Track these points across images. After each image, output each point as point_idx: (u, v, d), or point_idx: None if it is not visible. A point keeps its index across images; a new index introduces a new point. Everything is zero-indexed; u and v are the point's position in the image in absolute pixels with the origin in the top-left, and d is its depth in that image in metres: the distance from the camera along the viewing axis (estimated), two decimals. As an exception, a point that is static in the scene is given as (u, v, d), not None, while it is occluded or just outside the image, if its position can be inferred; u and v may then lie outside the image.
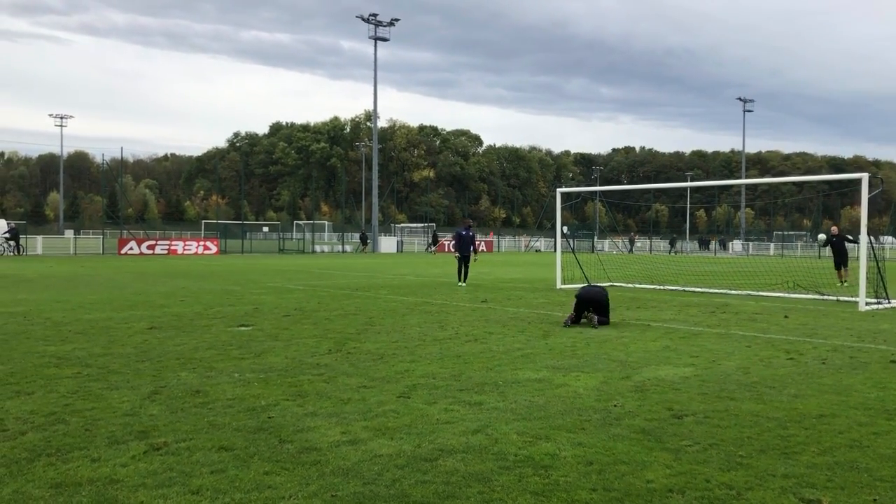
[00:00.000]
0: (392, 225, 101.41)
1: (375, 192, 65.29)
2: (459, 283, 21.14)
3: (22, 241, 44.22)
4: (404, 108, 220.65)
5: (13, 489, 4.35)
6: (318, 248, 60.03)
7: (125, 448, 5.18)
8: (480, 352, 9.55)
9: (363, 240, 60.23)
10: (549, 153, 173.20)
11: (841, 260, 23.36)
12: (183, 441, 5.36)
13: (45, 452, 5.05)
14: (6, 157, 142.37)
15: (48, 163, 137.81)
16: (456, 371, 8.19)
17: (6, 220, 54.53)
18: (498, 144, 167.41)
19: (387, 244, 62.25)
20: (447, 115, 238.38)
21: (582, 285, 12.98)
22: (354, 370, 8.19)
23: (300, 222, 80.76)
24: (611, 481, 4.66)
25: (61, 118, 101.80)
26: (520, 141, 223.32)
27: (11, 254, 42.45)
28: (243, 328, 11.64)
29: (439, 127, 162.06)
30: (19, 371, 7.88)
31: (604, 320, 12.46)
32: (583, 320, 12.44)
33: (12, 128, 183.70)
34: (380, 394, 7.02)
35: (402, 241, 66.08)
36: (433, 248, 58.72)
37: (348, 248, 62.33)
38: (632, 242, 67.18)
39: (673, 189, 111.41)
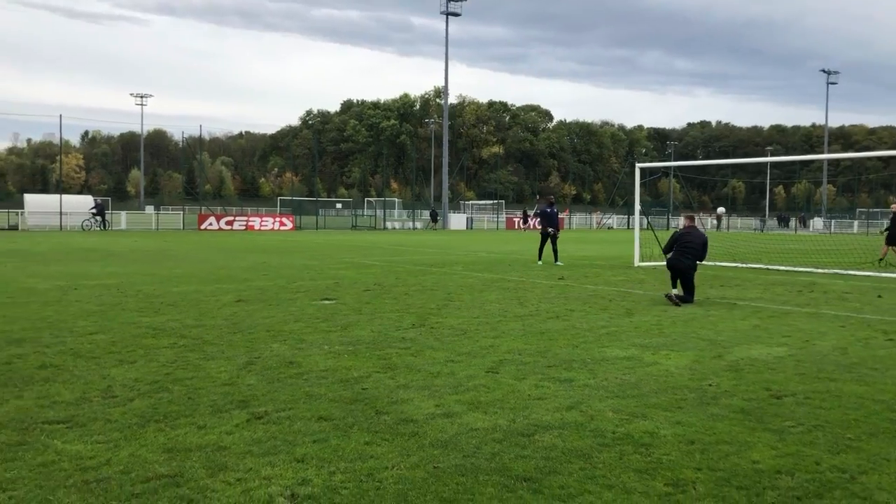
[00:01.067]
0: (461, 202, 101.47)
1: (445, 168, 65.36)
2: (538, 262, 20.62)
3: (107, 217, 45.97)
4: (473, 83, 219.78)
5: (129, 452, 4.52)
6: (388, 224, 60.61)
7: (228, 416, 5.33)
8: (564, 329, 9.47)
9: (433, 217, 60.47)
10: (621, 128, 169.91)
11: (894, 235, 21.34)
12: (282, 410, 5.48)
13: (154, 419, 5.24)
14: (90, 135, 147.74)
15: (129, 141, 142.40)
16: (541, 347, 8.15)
17: (92, 196, 56.72)
18: (569, 119, 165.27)
19: (456, 221, 62.35)
20: (517, 90, 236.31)
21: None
22: (440, 344, 8.23)
23: (371, 199, 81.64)
24: (715, 461, 4.56)
25: (142, 97, 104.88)
26: (591, 116, 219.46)
27: (98, 228, 44.17)
28: (327, 302, 11.83)
29: (509, 102, 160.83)
30: (120, 340, 8.19)
31: (687, 298, 12.22)
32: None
33: (96, 107, 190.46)
34: (468, 368, 7.04)
35: (471, 218, 66.07)
36: (525, 227, 58.19)
37: (418, 224, 62.76)
38: (719, 220, 64.91)
39: (751, 164, 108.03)
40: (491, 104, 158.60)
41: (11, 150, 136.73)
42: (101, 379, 6.38)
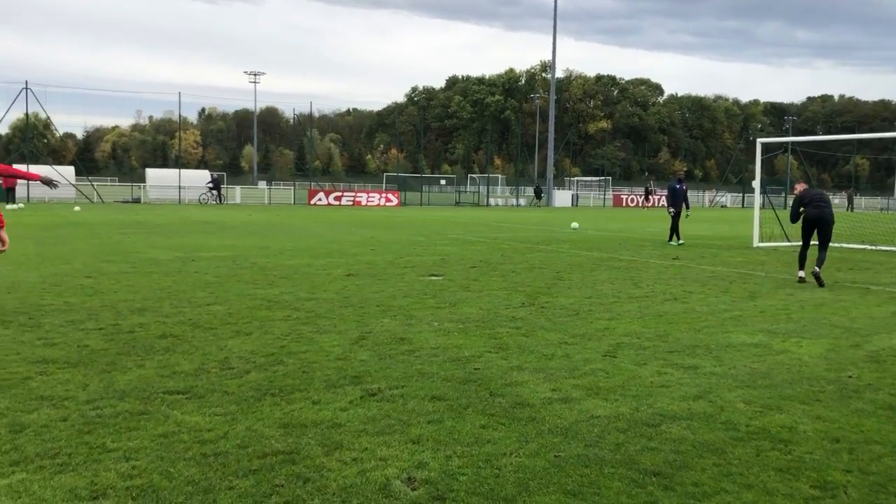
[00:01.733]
0: (565, 178, 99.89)
1: (551, 145, 64.37)
2: (671, 243, 19.48)
3: (223, 191, 47.74)
4: (581, 57, 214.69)
5: (246, 426, 4.51)
6: (492, 201, 60.34)
7: (342, 392, 5.27)
8: (683, 312, 9.01)
9: (537, 193, 59.77)
10: (735, 102, 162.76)
11: None
12: (396, 388, 5.38)
13: (269, 392, 5.23)
14: (206, 112, 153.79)
15: (243, 118, 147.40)
16: (660, 331, 7.76)
17: (209, 171, 59.02)
18: (680, 93, 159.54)
19: (561, 198, 61.44)
20: (626, 64, 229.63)
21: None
22: (552, 325, 7.97)
23: (474, 175, 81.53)
24: (866, 463, 4.14)
25: (255, 75, 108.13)
26: (704, 90, 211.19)
27: (214, 202, 45.92)
28: (434, 278, 11.75)
29: (617, 76, 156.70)
30: (236, 312, 8.34)
31: (823, 258, 11.83)
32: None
33: (212, 85, 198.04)
34: (583, 351, 6.75)
35: (577, 195, 64.96)
36: (647, 204, 56.78)
37: (522, 201, 62.17)
38: (850, 200, 60.99)
39: (877, 140, 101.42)
40: (599, 78, 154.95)
41: (135, 127, 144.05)
42: (218, 350, 6.47)
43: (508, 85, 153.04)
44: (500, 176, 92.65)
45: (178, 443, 4.21)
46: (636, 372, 6.02)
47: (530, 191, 63.05)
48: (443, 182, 79.44)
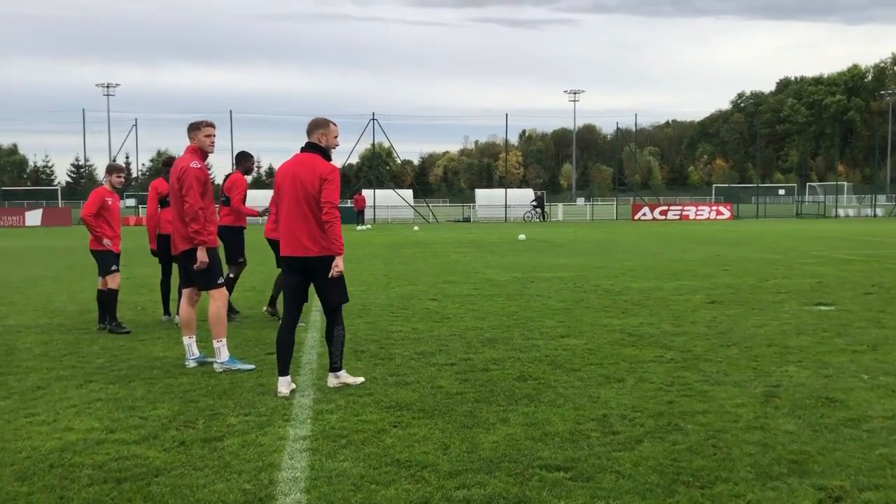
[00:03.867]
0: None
1: (917, 145, 55.21)
2: None
3: (546, 209, 47.88)
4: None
5: (666, 541, 3.15)
6: (840, 211, 53.37)
7: (785, 489, 3.68)
8: None
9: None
10: None
11: None
12: (866, 490, 3.67)
13: (680, 479, 3.82)
14: (527, 134, 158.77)
15: (560, 137, 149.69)
16: None
17: (532, 189, 59.99)
18: None
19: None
20: None
21: None
22: None
23: (813, 184, 73.35)
24: None
25: (574, 93, 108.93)
26: None
27: (538, 220, 46.17)
28: (823, 307, 9.52)
29: None
30: (596, 349, 7.11)
31: None
32: None
33: (534, 107, 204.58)
34: None
35: (951, 203, 54.95)
36: None
37: (879, 211, 54.20)
38: None
39: None
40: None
41: (462, 151, 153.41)
42: (590, 402, 5.24)
43: (852, 83, 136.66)
44: (845, 184, 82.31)
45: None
46: None
47: (887, 200, 54.61)
48: (781, 192, 72.42)
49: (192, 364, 6.53)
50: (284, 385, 5.56)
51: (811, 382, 5.74)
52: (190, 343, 6.59)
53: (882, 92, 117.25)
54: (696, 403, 5.19)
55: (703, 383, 5.76)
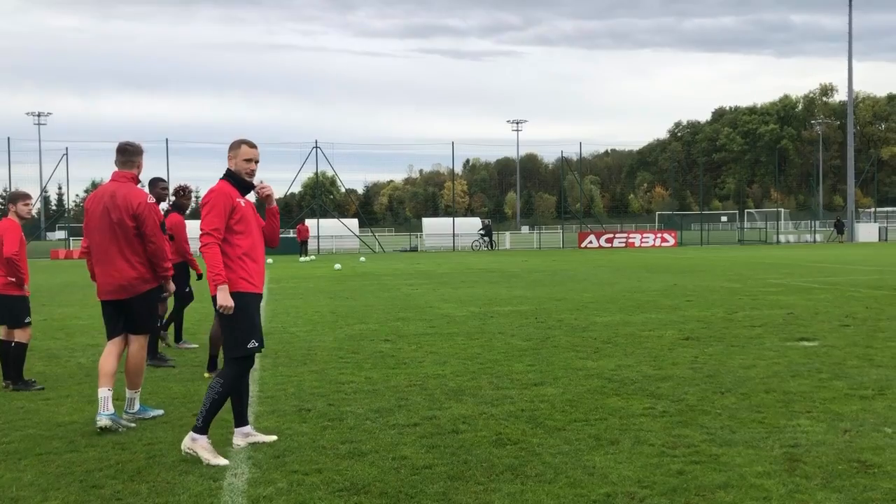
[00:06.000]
0: (859, 210, 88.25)
1: (851, 172, 56.86)
2: None
3: (494, 237, 47.31)
4: (867, 78, 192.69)
5: None
6: (781, 237, 54.25)
7: None
8: None
9: (839, 228, 52.58)
10: None
11: None
12: None
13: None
14: (470, 163, 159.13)
15: (504, 166, 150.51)
16: None
17: (479, 218, 59.53)
18: None
19: (866, 232, 53.52)
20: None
21: None
22: None
23: (751, 210, 75.07)
24: None
25: (517, 123, 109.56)
26: None
27: (485, 248, 45.53)
28: (806, 343, 8.89)
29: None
30: (576, 400, 6.24)
31: None
32: None
33: (477, 137, 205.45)
34: None
35: (885, 228, 56.37)
36: None
37: (818, 237, 55.38)
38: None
39: None
40: (891, 98, 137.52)
41: (407, 181, 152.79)
42: (586, 476, 4.36)
43: (784, 112, 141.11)
44: (782, 210, 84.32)
45: None
46: None
47: (820, 225, 55.79)
48: (724, 219, 73.56)
49: (105, 422, 5.47)
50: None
51: (832, 440, 4.98)
52: (107, 397, 5.55)
53: (812, 121, 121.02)
54: (712, 474, 4.36)
55: (711, 444, 4.94)
